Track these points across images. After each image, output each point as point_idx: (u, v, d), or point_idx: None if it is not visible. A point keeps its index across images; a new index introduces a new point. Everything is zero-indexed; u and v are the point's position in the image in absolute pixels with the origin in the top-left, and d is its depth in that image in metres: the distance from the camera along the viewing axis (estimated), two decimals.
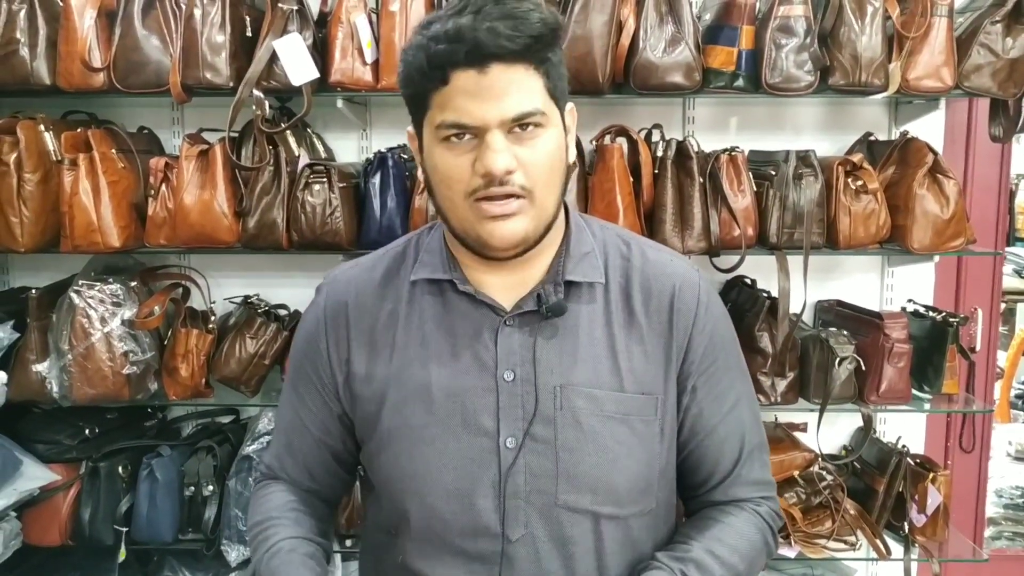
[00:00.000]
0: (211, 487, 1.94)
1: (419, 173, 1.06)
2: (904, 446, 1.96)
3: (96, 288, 1.86)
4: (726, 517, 1.06)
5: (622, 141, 1.87)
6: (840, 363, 1.85)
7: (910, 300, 2.06)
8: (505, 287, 1.03)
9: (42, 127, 1.85)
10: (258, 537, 1.08)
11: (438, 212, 1.01)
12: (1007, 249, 3.77)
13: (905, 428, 2.11)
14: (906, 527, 1.95)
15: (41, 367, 1.87)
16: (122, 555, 1.94)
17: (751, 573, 1.06)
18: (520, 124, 0.92)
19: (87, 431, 1.98)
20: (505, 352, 1.00)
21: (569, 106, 1.01)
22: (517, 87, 0.91)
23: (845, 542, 1.93)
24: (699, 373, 1.05)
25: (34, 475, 1.90)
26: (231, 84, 1.79)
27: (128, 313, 1.87)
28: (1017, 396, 4.16)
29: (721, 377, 1.06)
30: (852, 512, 1.95)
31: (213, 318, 1.96)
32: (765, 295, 1.93)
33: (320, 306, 1.10)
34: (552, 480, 0.98)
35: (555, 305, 1.00)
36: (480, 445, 0.99)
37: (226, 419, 2.20)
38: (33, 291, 1.91)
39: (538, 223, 0.96)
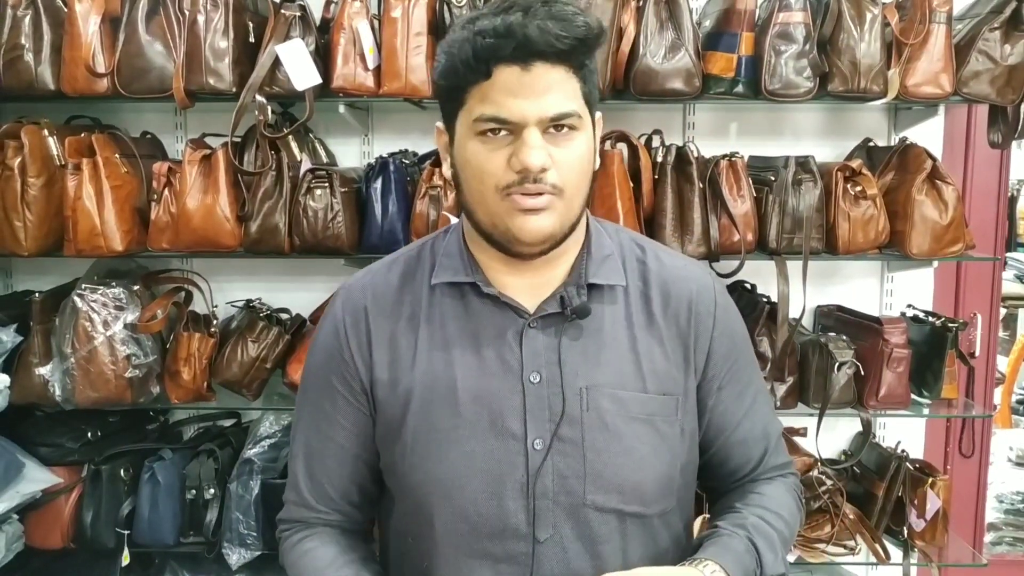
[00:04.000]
0: (212, 490, 1.95)
1: (445, 169, 1.05)
2: (903, 451, 1.97)
3: (99, 292, 1.87)
4: (763, 488, 1.11)
5: (622, 147, 1.88)
6: (839, 368, 1.85)
7: (909, 305, 2.06)
8: (527, 289, 1.03)
9: (46, 132, 1.85)
10: None
11: (464, 208, 1.01)
12: (1009, 255, 3.77)
13: (904, 433, 2.12)
14: (905, 532, 1.95)
15: (44, 370, 1.88)
16: (126, 559, 1.94)
17: (791, 533, 1.10)
18: (556, 124, 0.93)
19: (89, 434, 1.99)
20: (530, 354, 1.00)
21: (597, 115, 1.02)
22: (558, 87, 0.92)
23: (844, 546, 1.93)
24: (723, 374, 1.08)
25: (36, 478, 1.91)
26: (234, 89, 1.80)
27: (131, 317, 1.88)
28: (1019, 401, 4.15)
29: (741, 375, 1.10)
30: (851, 516, 1.95)
31: (215, 322, 1.96)
32: (765, 300, 1.94)
33: (338, 315, 1.08)
34: (580, 481, 0.99)
35: (580, 307, 1.00)
36: (508, 447, 0.99)
37: (228, 422, 2.21)
38: (36, 295, 1.92)
39: (564, 222, 0.97)
